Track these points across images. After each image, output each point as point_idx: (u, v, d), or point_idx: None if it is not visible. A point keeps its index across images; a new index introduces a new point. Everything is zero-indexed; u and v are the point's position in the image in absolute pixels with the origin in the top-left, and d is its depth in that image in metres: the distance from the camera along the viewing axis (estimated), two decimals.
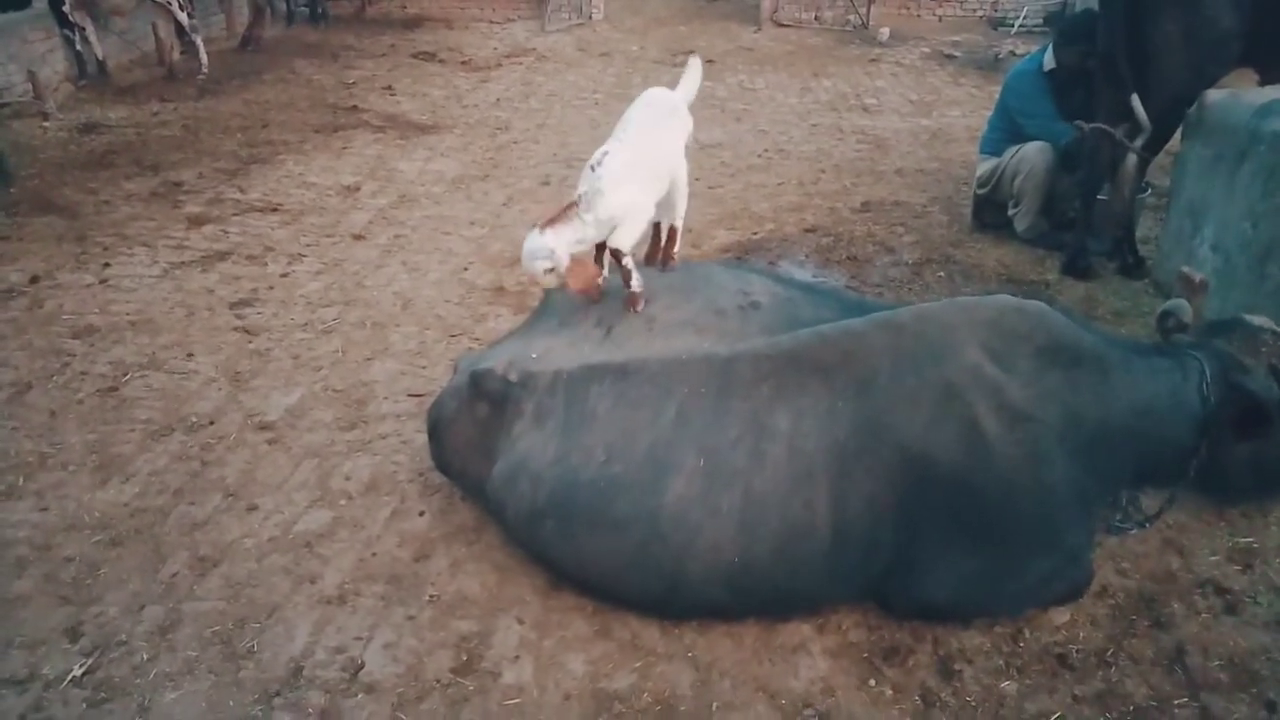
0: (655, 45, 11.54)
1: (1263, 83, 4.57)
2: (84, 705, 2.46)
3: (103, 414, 3.73)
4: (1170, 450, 2.78)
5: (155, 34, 9.12)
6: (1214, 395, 2.71)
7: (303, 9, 11.95)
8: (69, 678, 2.53)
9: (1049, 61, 5.37)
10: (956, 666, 2.61)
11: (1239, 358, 2.77)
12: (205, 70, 8.96)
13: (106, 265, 5.03)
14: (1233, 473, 2.83)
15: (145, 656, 2.61)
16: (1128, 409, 2.68)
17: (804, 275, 4.99)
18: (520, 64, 10.44)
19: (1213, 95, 4.46)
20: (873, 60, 10.68)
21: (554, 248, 2.74)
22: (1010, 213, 5.52)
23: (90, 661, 2.58)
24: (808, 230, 5.71)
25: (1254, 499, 3.11)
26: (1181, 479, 2.82)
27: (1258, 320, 2.91)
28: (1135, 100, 4.47)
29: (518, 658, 2.63)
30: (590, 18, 12.94)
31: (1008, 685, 2.56)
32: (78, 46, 8.39)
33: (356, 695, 2.50)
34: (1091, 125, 4.72)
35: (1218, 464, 2.79)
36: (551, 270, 2.77)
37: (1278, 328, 2.87)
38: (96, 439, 3.57)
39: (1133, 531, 3.00)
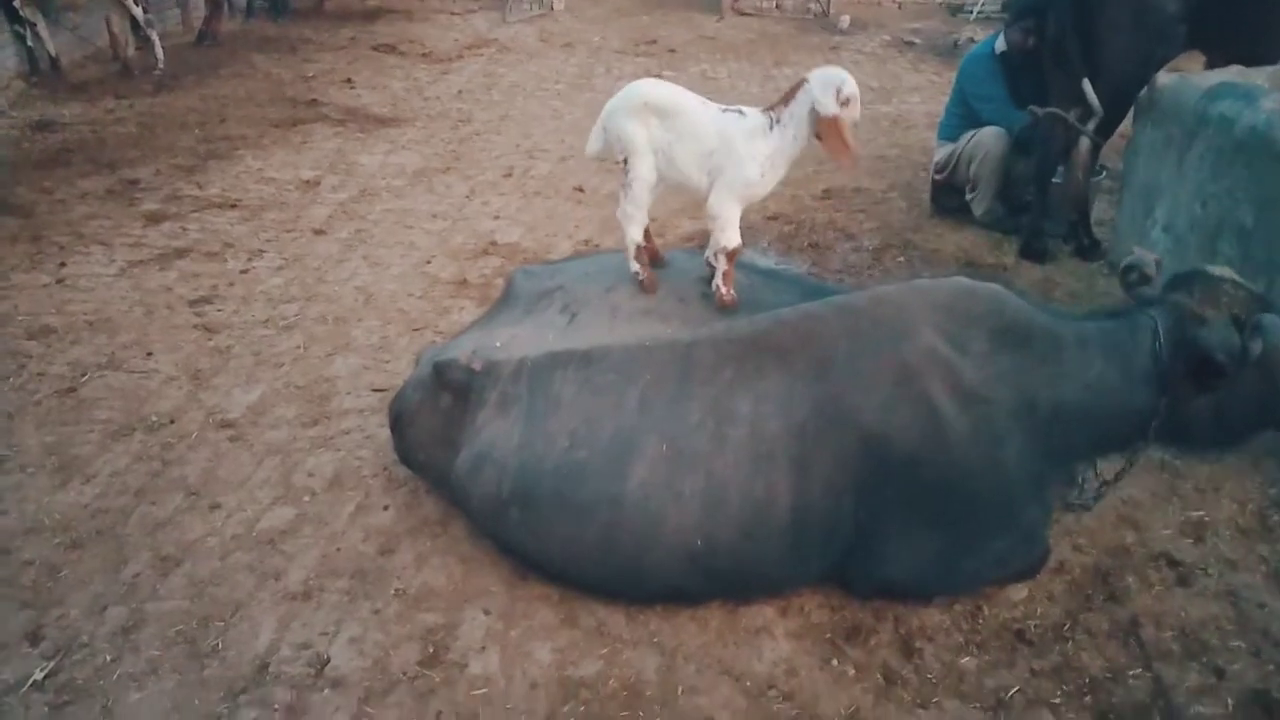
0: (617, 35, 11.52)
1: (1209, 65, 4.65)
2: (46, 709, 2.44)
3: (61, 415, 3.68)
4: (1128, 417, 2.76)
5: (109, 29, 8.94)
6: (1167, 352, 2.69)
7: (261, 2, 11.79)
8: (30, 682, 2.50)
9: (1001, 44, 5.45)
10: (917, 644, 2.66)
11: (1197, 310, 2.73)
12: (161, 65, 8.81)
13: (62, 265, 4.95)
14: (1196, 426, 2.79)
15: (108, 658, 2.59)
16: (1081, 386, 2.70)
17: (766, 262, 5.01)
18: (482, 55, 10.38)
19: (1163, 79, 4.53)
20: (833, 48, 10.74)
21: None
22: (968, 197, 5.59)
23: (52, 665, 2.56)
24: (770, 218, 5.74)
25: (1220, 448, 3.06)
26: (1143, 440, 2.79)
27: (1218, 270, 2.88)
28: (1086, 85, 4.54)
29: (484, 648, 2.64)
30: (552, 8, 12.90)
31: (967, 661, 2.61)
32: (29, 43, 8.21)
33: (323, 690, 2.50)
34: (1045, 110, 4.79)
35: (1180, 419, 2.75)
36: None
37: (1238, 277, 2.84)
38: (55, 440, 3.52)
39: (1092, 503, 3.02)
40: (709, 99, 2.94)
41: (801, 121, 2.76)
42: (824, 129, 2.74)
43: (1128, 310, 2.86)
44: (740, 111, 2.84)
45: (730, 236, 2.85)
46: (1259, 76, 4.21)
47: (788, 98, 2.79)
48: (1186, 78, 4.49)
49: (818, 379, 2.61)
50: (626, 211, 2.93)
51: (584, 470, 2.62)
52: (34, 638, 2.65)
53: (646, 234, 2.99)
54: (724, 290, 2.87)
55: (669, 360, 2.69)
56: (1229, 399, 2.73)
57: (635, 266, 2.94)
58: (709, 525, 2.57)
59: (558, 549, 2.71)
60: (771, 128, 2.79)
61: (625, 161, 2.90)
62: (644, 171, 2.87)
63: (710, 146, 2.82)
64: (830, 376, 2.60)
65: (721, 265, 2.88)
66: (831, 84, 2.72)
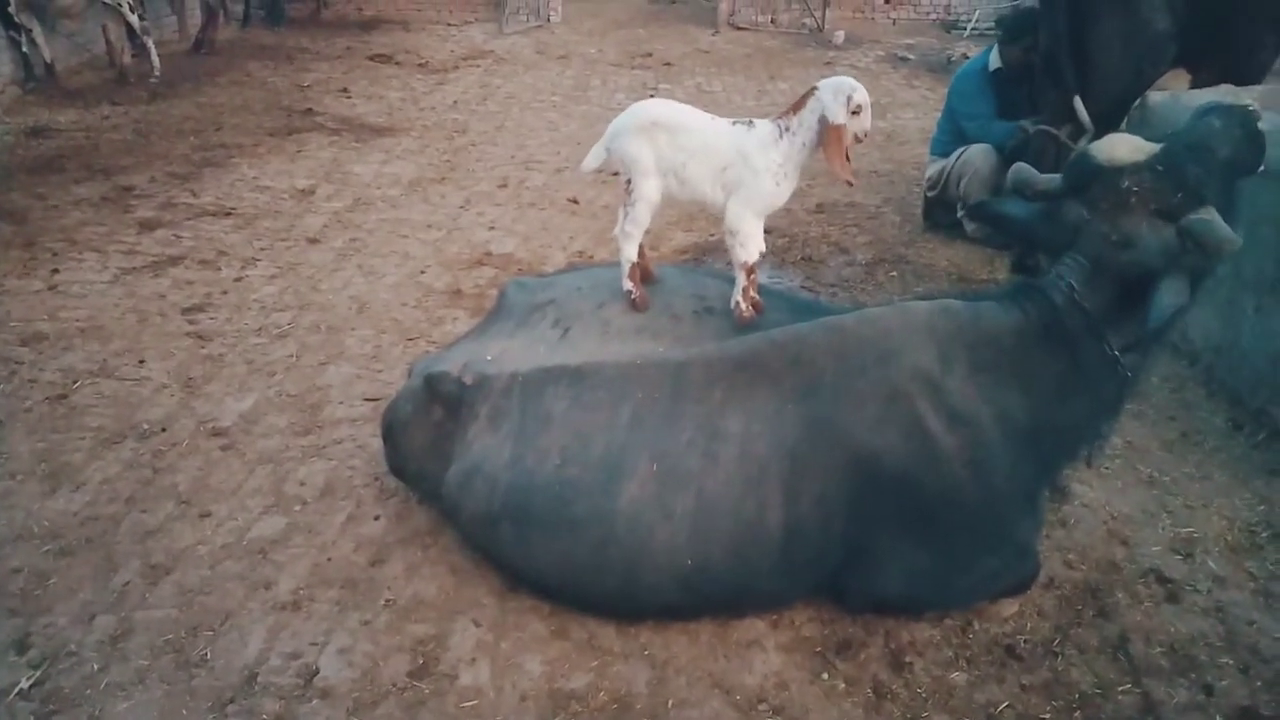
0: (613, 48, 11.58)
1: (1195, 84, 4.70)
2: (32, 718, 2.42)
3: (52, 422, 3.67)
4: (1098, 380, 2.57)
5: (105, 36, 8.98)
6: (1091, 302, 2.46)
7: (258, 11, 11.82)
8: (16, 690, 2.48)
9: (994, 61, 5.49)
10: (907, 659, 2.66)
11: (1112, 231, 2.40)
12: (157, 73, 8.84)
13: (55, 271, 4.94)
14: (1171, 319, 2.42)
15: (96, 667, 2.57)
16: (1054, 391, 2.59)
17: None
18: (478, 66, 10.42)
19: (1154, 96, 4.57)
20: (828, 63, 10.80)
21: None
22: (959, 214, 5.62)
23: (39, 673, 2.54)
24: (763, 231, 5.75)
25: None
26: (1132, 382, 2.62)
27: (1105, 154, 2.45)
28: (1078, 102, 4.57)
29: (474, 660, 2.63)
30: (548, 20, 12.96)
31: (957, 676, 2.61)
32: (24, 49, 8.23)
33: (311, 701, 2.49)
34: (1036, 127, 4.82)
35: (1155, 331, 2.45)
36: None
37: (1133, 153, 2.42)
38: (46, 447, 3.51)
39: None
40: (705, 112, 2.94)
41: (811, 129, 2.76)
42: (829, 137, 2.74)
43: (1035, 283, 2.63)
44: (750, 123, 2.84)
45: (750, 251, 2.83)
46: (1249, 95, 4.24)
47: (798, 106, 2.79)
48: (1177, 95, 4.53)
49: (807, 399, 2.60)
50: (625, 230, 2.92)
51: (575, 487, 2.62)
52: (21, 646, 2.63)
53: (640, 250, 2.98)
54: (743, 306, 2.85)
55: (660, 378, 2.69)
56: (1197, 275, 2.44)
57: (629, 285, 2.93)
58: (699, 544, 2.56)
59: (548, 566, 2.70)
60: (781, 136, 2.78)
61: (629, 182, 2.89)
62: (649, 192, 2.85)
63: (725, 161, 2.80)
64: (819, 396, 2.59)
65: (741, 281, 2.86)
66: (843, 92, 2.73)
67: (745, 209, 2.81)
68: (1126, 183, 2.40)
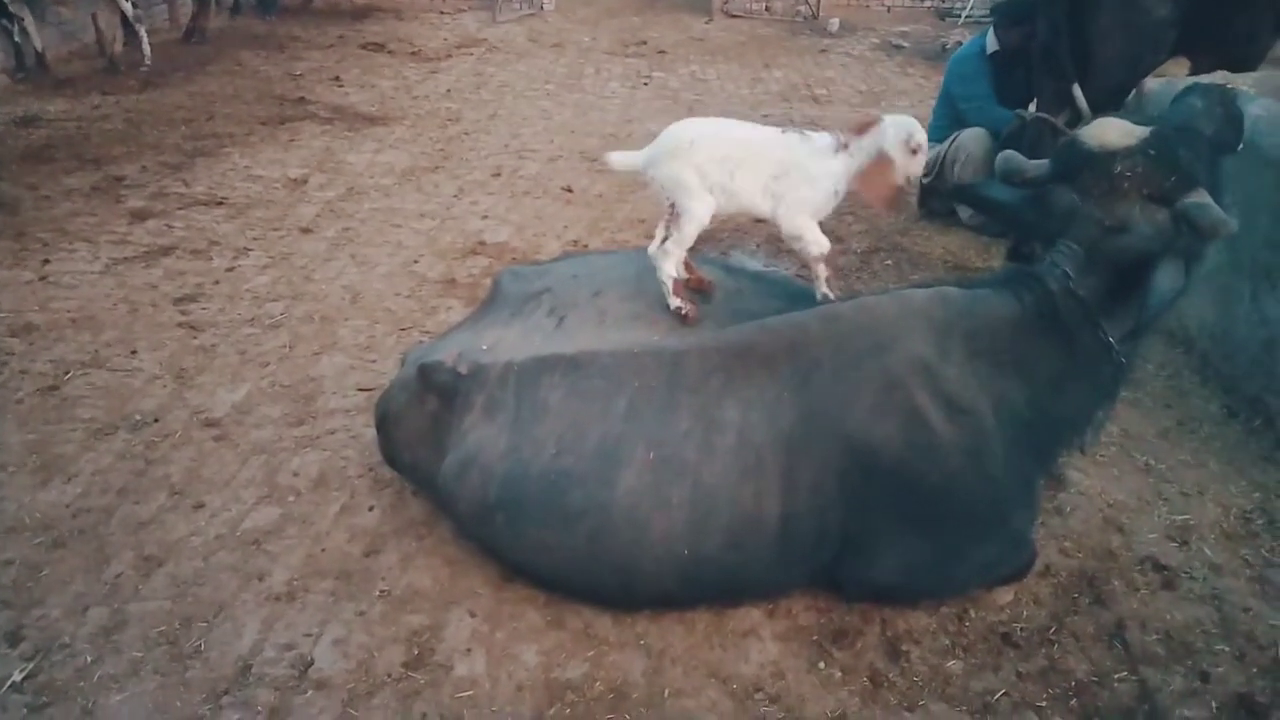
0: (607, 36, 11.52)
1: (1194, 72, 4.68)
2: (25, 710, 2.41)
3: (43, 413, 3.65)
4: (1094, 367, 2.57)
5: (95, 25, 8.89)
6: (1086, 289, 2.45)
7: None
8: (9, 683, 2.48)
9: (991, 44, 5.46)
10: (904, 647, 2.66)
11: (1104, 216, 2.39)
12: (148, 62, 8.76)
13: (46, 262, 4.91)
14: (1168, 302, 2.41)
15: (89, 659, 2.56)
16: (1049, 380, 2.59)
17: (755, 265, 5.00)
18: (471, 54, 10.36)
19: (1151, 84, 4.56)
20: (822, 51, 10.75)
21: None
22: (954, 204, 5.60)
23: (31, 666, 2.53)
24: (759, 220, 5.70)
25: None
26: (1127, 369, 2.62)
27: (1096, 139, 2.44)
28: (1076, 89, 4.55)
29: (470, 650, 2.63)
30: (541, 8, 12.88)
31: (954, 664, 2.61)
32: (15, 38, 8.15)
33: (306, 692, 2.49)
34: (1033, 114, 4.80)
35: (1152, 316, 2.43)
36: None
37: (1124, 138, 2.41)
38: (37, 439, 3.49)
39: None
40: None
41: (868, 156, 2.81)
42: (873, 165, 2.80)
43: (1029, 270, 2.61)
44: (802, 133, 2.84)
45: (819, 243, 2.84)
46: (1245, 81, 4.23)
47: (861, 130, 2.82)
48: (1173, 82, 4.51)
49: (803, 387, 2.59)
50: (665, 249, 2.82)
51: (571, 477, 2.61)
52: (13, 638, 2.62)
53: (687, 264, 2.92)
54: (831, 296, 2.90)
55: (657, 367, 2.67)
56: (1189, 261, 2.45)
57: (676, 302, 2.84)
58: (696, 533, 2.55)
59: (544, 556, 2.69)
60: (838, 151, 2.81)
61: (672, 205, 2.82)
62: (699, 212, 2.78)
63: (776, 170, 2.79)
64: (816, 385, 2.58)
65: (822, 273, 2.89)
66: (905, 129, 2.79)
67: (800, 212, 2.82)
68: (1119, 168, 2.39)
